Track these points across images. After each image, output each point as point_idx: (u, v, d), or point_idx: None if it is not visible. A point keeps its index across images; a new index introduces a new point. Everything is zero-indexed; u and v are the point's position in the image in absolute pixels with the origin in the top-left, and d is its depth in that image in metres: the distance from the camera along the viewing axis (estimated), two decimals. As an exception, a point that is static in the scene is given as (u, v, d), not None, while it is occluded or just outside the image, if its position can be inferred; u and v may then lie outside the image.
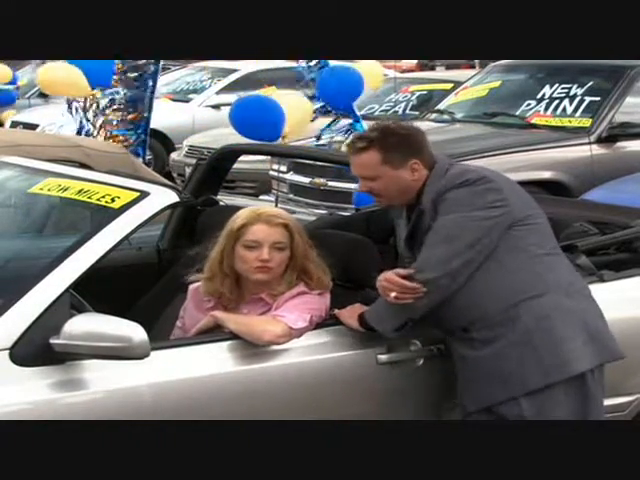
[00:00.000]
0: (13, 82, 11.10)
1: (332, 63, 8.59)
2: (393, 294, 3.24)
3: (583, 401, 3.31)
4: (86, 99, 8.56)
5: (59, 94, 9.07)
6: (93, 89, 8.30)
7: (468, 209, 3.27)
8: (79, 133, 8.50)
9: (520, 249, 3.33)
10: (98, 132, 8.42)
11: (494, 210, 3.28)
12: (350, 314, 3.41)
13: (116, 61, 8.20)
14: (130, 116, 8.45)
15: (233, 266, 3.50)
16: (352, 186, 7.61)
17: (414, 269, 3.25)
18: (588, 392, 3.31)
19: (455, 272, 3.25)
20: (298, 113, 7.76)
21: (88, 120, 8.53)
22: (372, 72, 8.81)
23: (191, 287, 3.66)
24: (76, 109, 8.74)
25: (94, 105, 8.49)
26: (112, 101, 8.41)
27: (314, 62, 8.60)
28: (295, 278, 3.49)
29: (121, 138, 8.37)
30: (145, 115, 8.53)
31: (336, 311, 3.46)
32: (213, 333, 3.39)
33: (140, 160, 7.93)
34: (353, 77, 8.20)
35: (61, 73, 8.30)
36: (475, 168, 3.47)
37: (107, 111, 8.43)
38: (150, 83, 8.56)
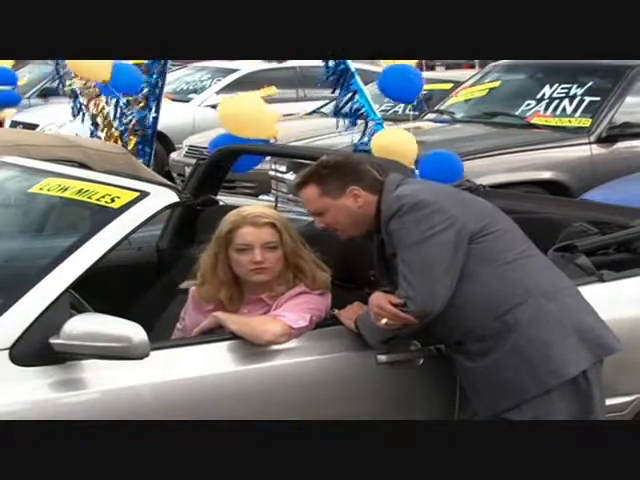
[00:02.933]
0: (13, 82, 11.01)
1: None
2: (384, 321, 3.24)
3: (581, 401, 3.29)
4: (89, 101, 8.53)
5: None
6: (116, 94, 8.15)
7: (423, 238, 3.22)
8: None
9: (490, 260, 3.29)
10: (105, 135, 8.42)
11: (448, 230, 3.23)
12: (349, 315, 3.41)
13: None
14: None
15: (230, 270, 3.50)
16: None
17: (402, 300, 3.22)
18: (583, 392, 3.29)
19: (439, 300, 3.22)
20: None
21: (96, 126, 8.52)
22: None
23: (192, 289, 3.66)
24: (83, 114, 8.72)
25: (103, 111, 8.47)
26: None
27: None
28: (293, 277, 3.49)
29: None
30: (154, 115, 8.52)
31: (336, 311, 3.46)
32: (213, 333, 3.40)
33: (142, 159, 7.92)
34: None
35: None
36: (411, 191, 3.33)
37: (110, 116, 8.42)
38: (159, 82, 8.54)
